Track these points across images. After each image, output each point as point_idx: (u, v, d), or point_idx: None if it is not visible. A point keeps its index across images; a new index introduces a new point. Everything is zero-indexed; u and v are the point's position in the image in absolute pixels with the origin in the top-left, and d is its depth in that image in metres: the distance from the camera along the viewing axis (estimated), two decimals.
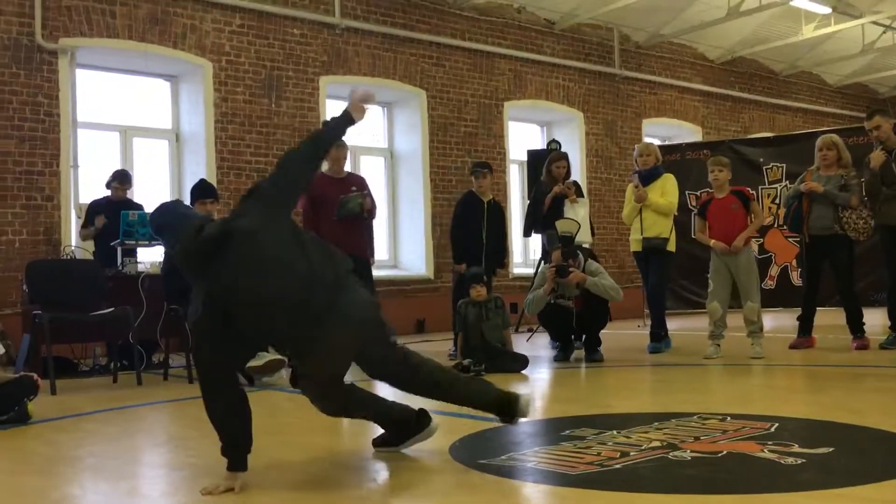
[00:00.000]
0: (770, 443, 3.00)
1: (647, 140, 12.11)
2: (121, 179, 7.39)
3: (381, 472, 2.93)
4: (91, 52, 8.46)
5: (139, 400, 4.94)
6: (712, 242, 6.19)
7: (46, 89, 8.06)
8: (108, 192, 7.41)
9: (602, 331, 6.29)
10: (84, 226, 7.36)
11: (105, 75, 8.97)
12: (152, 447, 3.63)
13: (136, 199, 7.61)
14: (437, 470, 2.88)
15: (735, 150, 9.49)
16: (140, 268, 6.90)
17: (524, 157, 10.67)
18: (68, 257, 7.47)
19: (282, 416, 4.00)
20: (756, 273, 6.22)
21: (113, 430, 4.06)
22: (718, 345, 6.13)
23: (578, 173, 11.59)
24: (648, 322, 7.18)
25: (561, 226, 6.32)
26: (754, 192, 8.94)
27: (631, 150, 11.73)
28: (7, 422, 4.10)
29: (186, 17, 8.92)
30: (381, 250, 10.67)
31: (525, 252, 11.60)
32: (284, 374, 4.13)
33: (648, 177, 6.76)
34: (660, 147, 7.66)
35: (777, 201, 9.22)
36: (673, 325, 7.59)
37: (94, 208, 7.30)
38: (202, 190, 6.17)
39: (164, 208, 2.87)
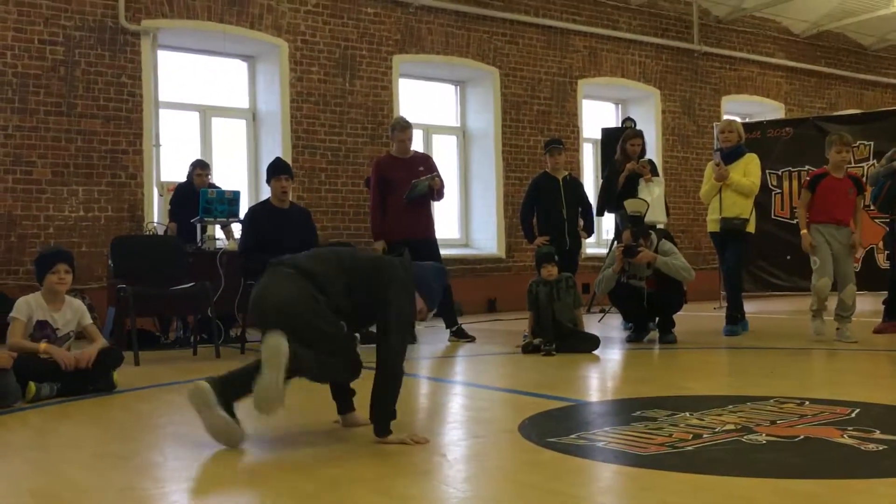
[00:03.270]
0: (850, 428, 2.91)
1: (727, 118, 11.80)
2: (202, 166, 7.60)
3: (449, 447, 2.95)
4: (172, 33, 8.68)
5: (217, 371, 5.07)
6: (803, 233, 6.03)
7: (130, 70, 8.32)
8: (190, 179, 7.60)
9: (677, 313, 6.18)
10: (171, 218, 7.56)
11: (185, 56, 9.19)
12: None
13: (215, 178, 7.80)
14: (506, 447, 2.89)
15: (820, 128, 9.17)
16: (218, 245, 7.08)
17: (598, 136, 10.52)
18: (150, 233, 7.73)
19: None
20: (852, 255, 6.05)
21: None
22: (824, 321, 5.97)
23: (654, 152, 11.37)
24: (725, 304, 7.02)
25: (630, 205, 6.21)
26: None
27: (709, 129, 11.46)
28: (95, 390, 4.28)
29: None
30: (452, 229, 10.71)
31: (598, 232, 11.47)
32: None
33: (731, 155, 6.57)
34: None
35: (864, 180, 8.89)
36: (750, 307, 7.41)
37: (179, 195, 7.49)
38: (278, 167, 6.30)
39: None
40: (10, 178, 7.72)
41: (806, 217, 6.03)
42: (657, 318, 6.24)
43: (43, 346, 4.18)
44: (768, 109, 13.17)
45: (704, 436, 2.85)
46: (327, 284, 2.93)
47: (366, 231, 9.44)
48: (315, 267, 2.97)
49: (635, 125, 9.39)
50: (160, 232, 7.72)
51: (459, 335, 6.77)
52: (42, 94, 7.88)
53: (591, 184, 11.42)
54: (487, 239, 10.73)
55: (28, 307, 4.30)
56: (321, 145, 9.39)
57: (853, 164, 9.05)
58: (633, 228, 6.03)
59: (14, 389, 3.95)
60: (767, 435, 2.85)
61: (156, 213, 8.34)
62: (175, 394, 4.36)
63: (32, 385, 4.04)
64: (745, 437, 2.83)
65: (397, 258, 3.12)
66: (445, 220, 9.55)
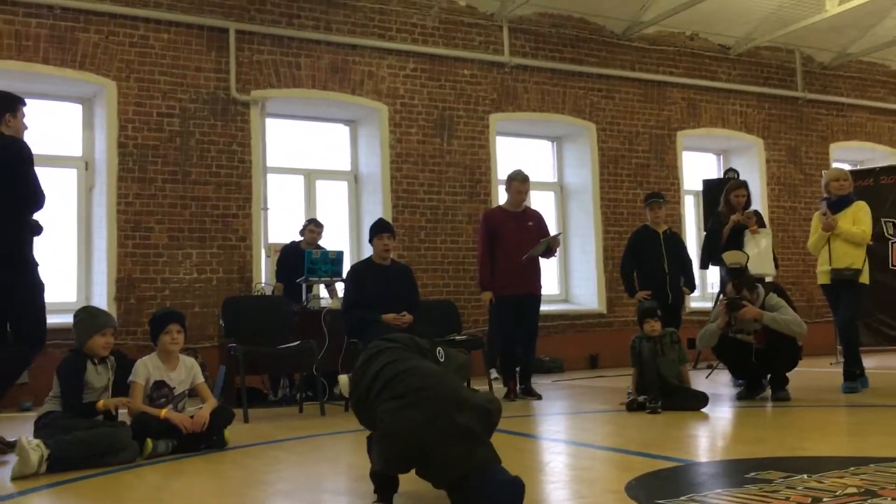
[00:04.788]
0: None
1: (836, 165, 11.43)
2: (315, 224, 7.96)
3: None
4: (278, 101, 9.09)
5: (322, 429, 5.18)
6: None
7: (240, 138, 8.73)
8: (299, 238, 7.91)
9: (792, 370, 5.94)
10: (278, 278, 7.90)
11: (290, 123, 9.59)
12: (335, 475, 3.79)
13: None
14: None
15: None
16: (322, 303, 7.27)
17: (699, 188, 10.34)
18: (259, 294, 8.00)
19: None
20: None
21: (299, 457, 4.28)
22: None
23: (759, 202, 11.07)
24: (841, 359, 6.70)
25: (729, 258, 6.04)
26: None
27: (817, 177, 11.09)
28: (207, 447, 4.43)
29: (364, 64, 9.40)
30: (551, 285, 10.65)
31: (702, 285, 11.19)
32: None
33: (838, 204, 6.34)
34: (850, 172, 7.21)
35: None
36: (870, 362, 7.03)
37: (286, 256, 7.81)
38: (380, 226, 6.46)
39: None
40: (129, 243, 8.16)
41: None
42: (769, 375, 6.00)
43: (164, 413, 4.36)
44: (880, 156, 12.65)
45: (825, 500, 2.72)
46: None
47: (465, 287, 9.51)
48: None
49: (738, 175, 9.20)
50: (268, 292, 7.99)
51: (526, 393, 6.69)
52: (160, 163, 8.35)
53: (692, 237, 11.20)
54: (587, 294, 10.62)
55: (146, 369, 4.51)
56: (420, 204, 9.57)
57: None
58: (736, 280, 5.86)
59: (132, 446, 4.13)
60: (893, 499, 2.69)
61: (264, 274, 8.64)
62: (283, 451, 4.46)
63: (149, 442, 4.22)
64: (868, 501, 2.68)
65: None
66: (544, 275, 9.53)
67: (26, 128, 4.76)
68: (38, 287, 4.63)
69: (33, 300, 4.58)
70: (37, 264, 4.64)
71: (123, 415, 4.47)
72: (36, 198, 4.55)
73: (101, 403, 4.22)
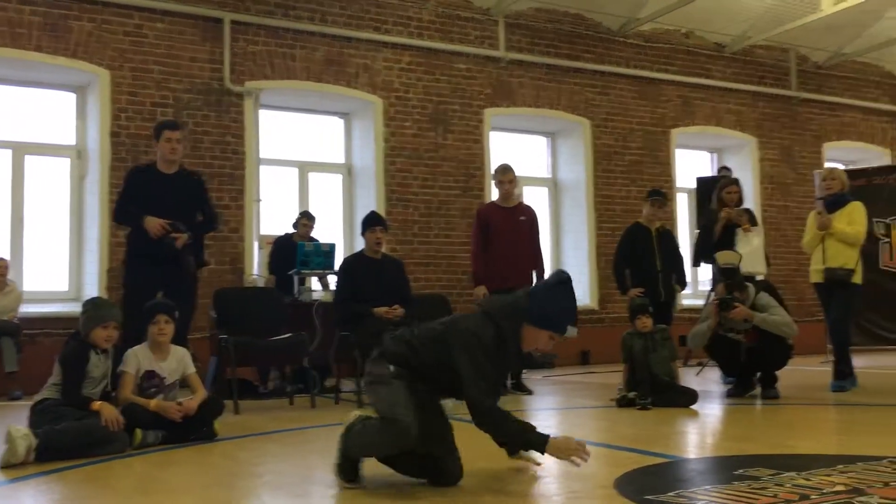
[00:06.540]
0: None
1: (829, 165, 11.47)
2: (308, 217, 7.91)
3: (543, 502, 2.91)
4: (273, 93, 9.05)
5: (313, 422, 5.18)
6: None
7: (233, 129, 8.70)
8: (292, 230, 7.88)
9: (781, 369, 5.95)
10: (270, 270, 7.87)
11: (284, 114, 9.56)
12: (325, 466, 3.78)
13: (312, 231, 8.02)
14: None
15: None
16: (314, 296, 7.26)
17: (693, 185, 10.35)
18: (251, 285, 7.98)
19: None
20: None
21: (289, 449, 4.28)
22: None
23: (752, 201, 11.10)
24: (831, 358, 6.73)
25: (721, 258, 6.05)
26: None
27: (810, 176, 11.13)
28: (197, 438, 4.42)
29: (359, 57, 9.37)
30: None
31: (693, 283, 11.21)
32: (450, 403, 4.31)
33: (834, 203, 6.37)
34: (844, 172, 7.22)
35: None
36: (859, 362, 7.06)
37: (279, 248, 7.78)
38: (372, 220, 6.45)
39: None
40: (122, 233, 8.09)
41: None
42: (759, 373, 6.02)
43: (153, 403, 4.35)
44: (873, 156, 12.68)
45: (812, 497, 2.73)
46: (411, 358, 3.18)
47: (458, 282, 9.51)
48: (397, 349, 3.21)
49: (732, 174, 9.21)
50: (260, 284, 7.97)
51: (517, 388, 6.68)
52: (153, 153, 8.28)
53: (685, 234, 11.21)
54: (580, 290, 10.62)
55: (136, 359, 4.50)
56: (414, 198, 9.55)
57: None
58: (728, 281, 5.87)
59: (122, 436, 4.12)
60: (881, 498, 2.70)
61: (256, 266, 8.61)
62: (272, 443, 4.46)
63: (139, 432, 4.21)
64: (856, 499, 2.69)
65: (478, 315, 3.23)
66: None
67: (172, 149, 5.87)
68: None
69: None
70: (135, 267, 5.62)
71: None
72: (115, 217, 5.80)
73: (96, 405, 4.17)
